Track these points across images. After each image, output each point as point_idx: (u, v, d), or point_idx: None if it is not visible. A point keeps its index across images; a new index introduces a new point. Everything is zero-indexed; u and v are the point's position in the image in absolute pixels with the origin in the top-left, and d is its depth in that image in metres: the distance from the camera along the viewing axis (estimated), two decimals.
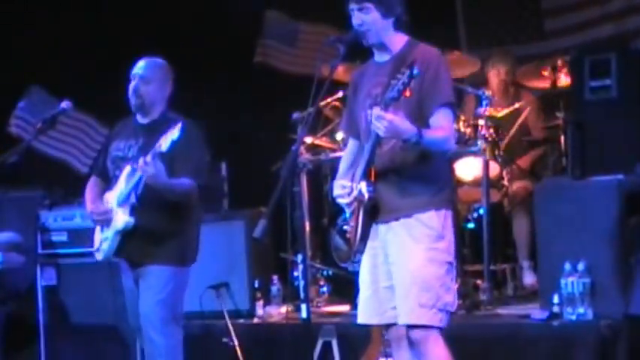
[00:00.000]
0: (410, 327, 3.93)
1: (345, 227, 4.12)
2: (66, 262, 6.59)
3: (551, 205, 5.63)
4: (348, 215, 4.11)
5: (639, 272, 4.94)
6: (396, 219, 3.95)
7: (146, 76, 4.93)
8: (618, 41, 6.93)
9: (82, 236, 6.22)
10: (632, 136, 5.49)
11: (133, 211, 4.81)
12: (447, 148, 4.01)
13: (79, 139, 8.49)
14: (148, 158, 4.57)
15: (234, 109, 7.95)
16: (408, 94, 3.75)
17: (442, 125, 3.91)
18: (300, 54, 8.38)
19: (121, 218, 4.81)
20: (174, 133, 4.52)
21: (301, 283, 4.13)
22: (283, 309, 6.30)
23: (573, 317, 5.15)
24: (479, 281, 6.11)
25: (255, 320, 6.26)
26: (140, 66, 4.97)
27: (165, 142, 4.53)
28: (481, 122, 6.12)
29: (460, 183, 6.34)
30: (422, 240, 3.91)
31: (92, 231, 5.09)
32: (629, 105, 5.49)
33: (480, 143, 6.07)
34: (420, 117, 3.90)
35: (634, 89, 5.50)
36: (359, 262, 4.10)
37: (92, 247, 5.07)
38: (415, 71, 3.71)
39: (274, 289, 6.44)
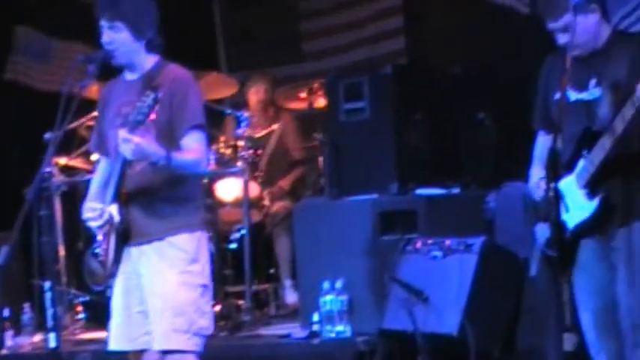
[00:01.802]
0: (165, 352, 3.86)
1: (98, 250, 4.00)
2: None
3: (309, 224, 5.73)
4: (100, 238, 4.01)
5: (392, 289, 5.09)
6: (149, 242, 3.90)
7: None
8: (370, 65, 7.15)
9: None
10: (386, 156, 5.66)
11: None
12: (198, 171, 4.00)
13: None
14: None
15: None
16: (153, 117, 3.74)
17: (193, 148, 3.89)
18: (53, 71, 8.11)
19: None
20: None
21: (50, 311, 3.96)
22: (36, 338, 6.03)
23: (333, 334, 5.23)
24: (241, 302, 6.11)
25: (4, 351, 5.95)
26: None
27: None
28: (241, 143, 6.16)
29: (221, 204, 6.36)
30: (175, 263, 3.87)
31: None
32: (381, 126, 5.66)
33: (240, 164, 6.08)
34: (171, 139, 3.86)
35: (385, 111, 5.68)
36: (112, 286, 4.02)
37: None
38: (160, 94, 3.70)
39: (26, 317, 6.18)
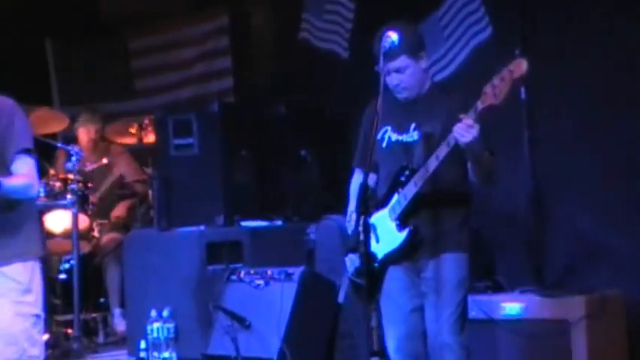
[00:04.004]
0: None
1: None
2: None
3: (139, 254, 5.91)
4: None
5: (217, 316, 5.32)
6: None
7: None
8: (199, 103, 7.33)
9: None
10: (213, 189, 5.92)
11: None
12: (30, 195, 3.93)
13: None
14: None
15: None
16: None
17: (23, 172, 3.85)
18: None
19: None
20: None
21: None
22: None
23: None
24: (70, 330, 6.19)
25: None
26: None
27: None
28: (71, 176, 6.25)
29: (50, 235, 6.43)
30: (8, 294, 3.84)
31: None
32: (209, 162, 5.93)
33: (70, 197, 6.18)
34: (1, 166, 3.82)
35: (213, 147, 5.95)
36: None
37: None
38: None
39: None
